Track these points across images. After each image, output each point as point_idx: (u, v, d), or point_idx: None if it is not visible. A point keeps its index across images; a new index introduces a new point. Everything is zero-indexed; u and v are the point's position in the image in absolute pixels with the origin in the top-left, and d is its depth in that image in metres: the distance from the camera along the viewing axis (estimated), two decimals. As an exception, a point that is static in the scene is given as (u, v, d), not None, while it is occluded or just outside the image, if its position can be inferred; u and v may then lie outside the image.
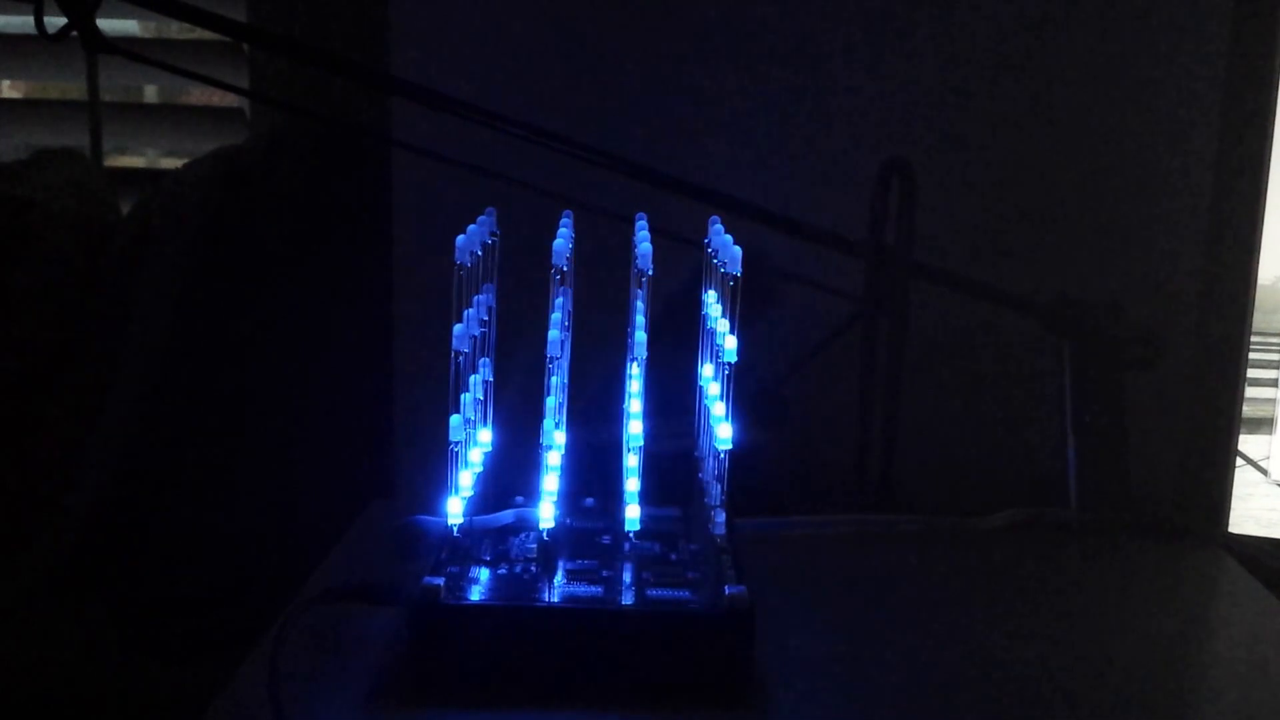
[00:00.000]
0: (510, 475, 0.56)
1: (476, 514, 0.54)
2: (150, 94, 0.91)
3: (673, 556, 0.52)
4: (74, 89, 0.86)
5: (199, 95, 0.91)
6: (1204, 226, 0.74)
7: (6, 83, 0.90)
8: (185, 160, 0.75)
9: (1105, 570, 0.65)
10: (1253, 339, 0.77)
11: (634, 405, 0.52)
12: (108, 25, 0.64)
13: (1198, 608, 0.63)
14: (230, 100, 0.84)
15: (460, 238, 0.50)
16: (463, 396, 0.51)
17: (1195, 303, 0.75)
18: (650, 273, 0.51)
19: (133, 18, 0.83)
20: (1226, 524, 0.77)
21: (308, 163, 0.75)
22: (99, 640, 0.63)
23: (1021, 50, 0.73)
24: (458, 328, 0.50)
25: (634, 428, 0.51)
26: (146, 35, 0.86)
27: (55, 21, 0.62)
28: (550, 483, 0.51)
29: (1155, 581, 0.64)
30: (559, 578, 0.49)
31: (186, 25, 0.70)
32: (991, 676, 0.51)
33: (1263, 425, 1.03)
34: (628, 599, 0.48)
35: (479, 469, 0.55)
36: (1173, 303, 0.74)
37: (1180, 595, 0.63)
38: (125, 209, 0.76)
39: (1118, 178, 0.74)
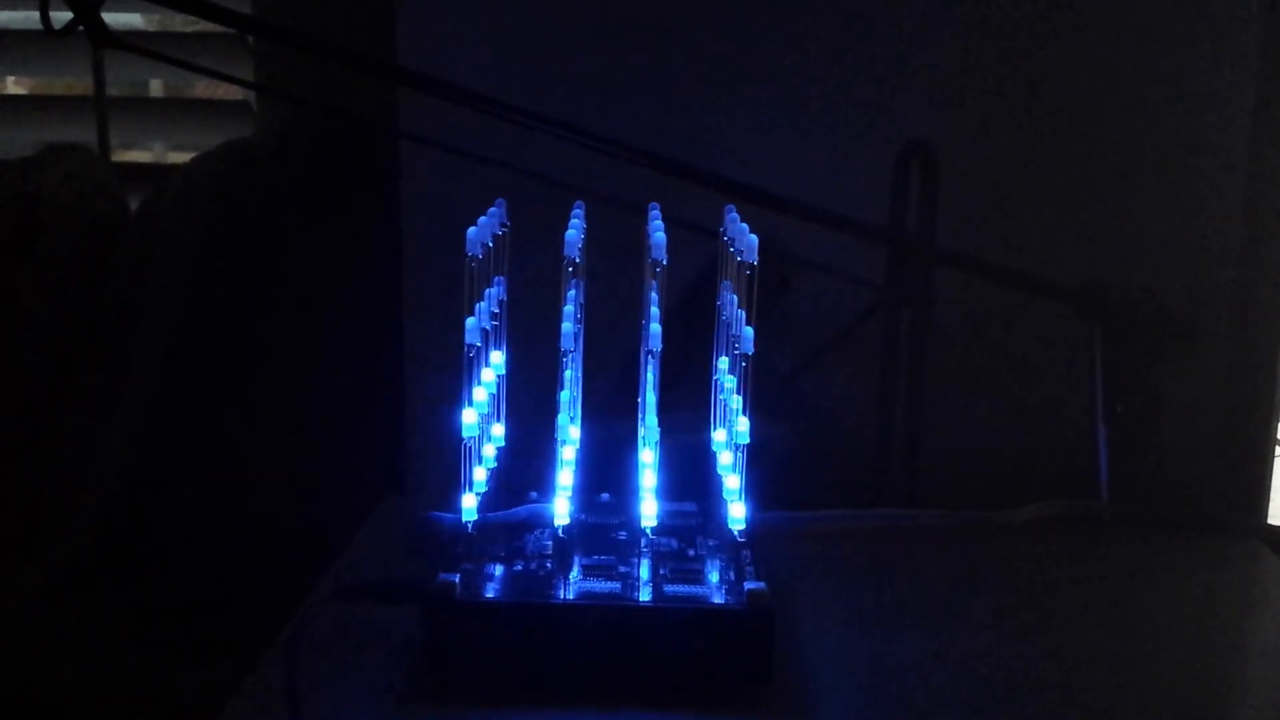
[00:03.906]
0: (525, 470, 0.55)
1: (491, 510, 0.53)
2: (156, 88, 0.91)
3: (690, 552, 0.52)
4: (80, 84, 0.85)
5: (205, 89, 0.90)
6: (1240, 208, 0.73)
7: (12, 79, 0.90)
8: (192, 154, 0.74)
9: (1138, 565, 0.63)
10: (1291, 324, 0.75)
11: (649, 398, 0.51)
12: (110, 19, 0.64)
13: (1235, 603, 0.61)
14: (236, 94, 0.83)
15: (471, 230, 0.49)
16: (475, 391, 0.50)
17: (1231, 287, 0.73)
18: (664, 263, 0.50)
19: (136, 11, 0.83)
20: (1265, 515, 0.75)
21: (316, 156, 0.75)
22: (113, 641, 0.63)
23: (1049, 29, 0.72)
24: (469, 321, 0.49)
25: (649, 421, 0.50)
26: (150, 29, 0.85)
27: (61, 17, 0.61)
28: (565, 478, 0.50)
29: (1190, 576, 0.62)
30: (575, 574, 0.49)
31: (191, 18, 0.69)
32: (1018, 675, 0.50)
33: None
34: (645, 595, 0.47)
35: (493, 464, 0.54)
36: (1207, 287, 0.73)
37: (1217, 590, 0.61)
38: (133, 204, 0.75)
39: (1150, 158, 0.72)
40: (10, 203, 0.71)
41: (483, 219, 0.52)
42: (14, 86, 0.91)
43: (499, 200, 0.56)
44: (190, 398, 0.70)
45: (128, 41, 0.63)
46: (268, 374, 0.72)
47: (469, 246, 0.49)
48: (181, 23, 0.84)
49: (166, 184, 0.72)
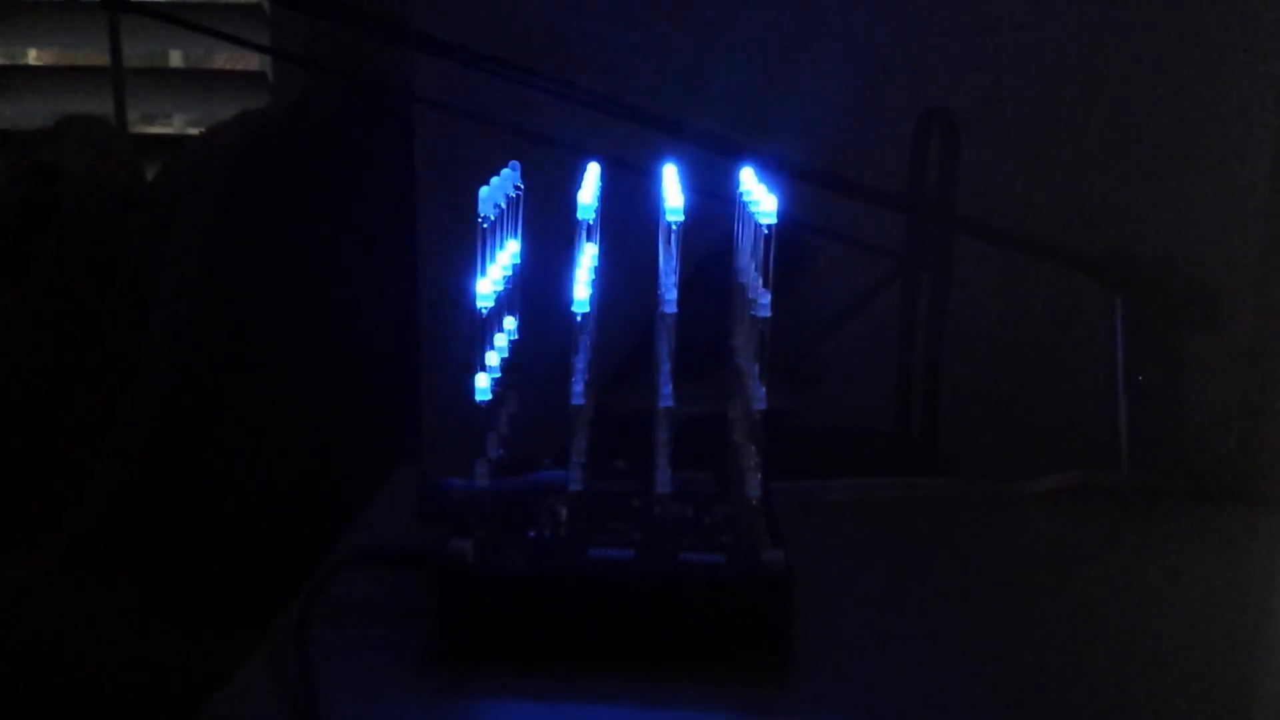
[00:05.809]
0: (539, 437, 0.55)
1: (504, 476, 0.53)
2: (176, 59, 0.91)
3: (706, 520, 0.51)
4: (102, 56, 0.85)
5: (224, 59, 0.90)
6: (1265, 176, 0.71)
7: (34, 51, 0.90)
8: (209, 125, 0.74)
9: (1159, 538, 0.63)
10: (1318, 292, 0.74)
11: (664, 363, 0.50)
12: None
13: (1259, 577, 0.60)
14: (254, 65, 0.83)
15: (483, 189, 0.49)
16: (488, 356, 0.49)
17: (1256, 256, 0.72)
18: (677, 222, 0.49)
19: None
20: (1288, 487, 0.74)
21: (331, 123, 0.74)
22: (128, 611, 0.63)
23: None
24: (480, 283, 0.48)
25: (665, 387, 0.49)
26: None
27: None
28: (579, 444, 0.50)
29: (1212, 549, 0.61)
30: (589, 541, 0.48)
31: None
32: (1036, 649, 0.49)
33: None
34: (660, 563, 0.47)
35: (506, 430, 0.54)
36: (1232, 256, 0.71)
37: (1240, 564, 0.60)
38: (151, 175, 0.75)
39: (1175, 125, 0.71)
40: (26, 174, 0.71)
41: (495, 179, 0.51)
42: (35, 58, 0.91)
43: (513, 162, 0.55)
44: (205, 368, 0.70)
45: (141, 6, 0.63)
46: (282, 343, 0.72)
47: (481, 206, 0.48)
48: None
49: (182, 154, 0.72)
